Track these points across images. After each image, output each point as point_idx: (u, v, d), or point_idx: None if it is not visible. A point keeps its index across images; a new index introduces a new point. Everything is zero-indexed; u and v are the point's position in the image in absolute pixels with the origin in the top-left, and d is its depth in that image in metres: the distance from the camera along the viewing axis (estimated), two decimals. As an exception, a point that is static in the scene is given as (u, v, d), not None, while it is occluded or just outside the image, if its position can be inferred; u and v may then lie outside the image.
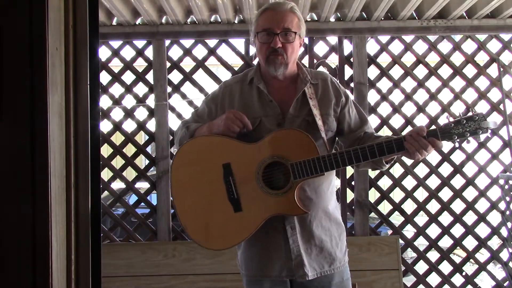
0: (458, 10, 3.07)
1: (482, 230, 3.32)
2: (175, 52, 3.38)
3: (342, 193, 3.27)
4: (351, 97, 1.84)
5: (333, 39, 3.37)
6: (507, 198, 3.30)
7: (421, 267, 3.33)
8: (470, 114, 1.49)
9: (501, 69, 3.33)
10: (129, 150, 3.38)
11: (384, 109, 3.34)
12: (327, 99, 1.71)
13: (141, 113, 3.38)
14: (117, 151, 3.37)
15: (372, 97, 3.34)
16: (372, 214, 3.34)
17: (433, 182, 3.30)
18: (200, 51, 3.38)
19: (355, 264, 3.04)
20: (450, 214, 3.33)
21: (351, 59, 3.31)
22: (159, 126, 3.29)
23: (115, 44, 3.36)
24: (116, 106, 3.36)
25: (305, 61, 3.36)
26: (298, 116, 1.67)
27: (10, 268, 0.96)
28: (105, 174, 3.14)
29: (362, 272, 3.04)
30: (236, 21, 3.28)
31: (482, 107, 3.35)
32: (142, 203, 3.42)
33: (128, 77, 3.36)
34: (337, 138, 1.81)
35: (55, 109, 1.00)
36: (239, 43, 3.48)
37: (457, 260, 3.41)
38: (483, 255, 3.44)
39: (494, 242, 3.60)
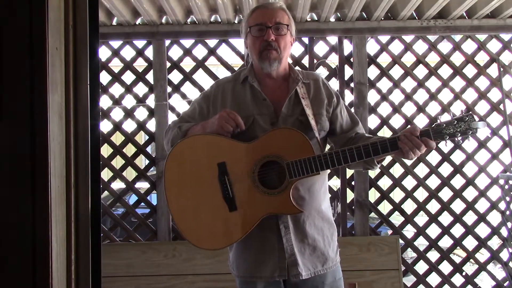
0: (458, 10, 3.07)
1: (482, 230, 3.32)
2: (175, 52, 3.39)
3: (342, 193, 3.27)
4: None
5: (333, 39, 3.37)
6: (507, 198, 3.30)
7: (421, 267, 3.33)
8: (460, 115, 1.54)
9: (501, 69, 3.33)
10: (129, 150, 3.38)
11: (384, 109, 3.34)
12: (320, 99, 1.73)
13: (141, 113, 3.38)
14: (117, 151, 3.37)
15: (372, 97, 3.34)
16: (372, 214, 3.34)
17: (433, 182, 3.30)
18: (200, 51, 3.38)
19: (355, 264, 3.05)
20: (450, 214, 3.33)
21: (351, 59, 3.31)
22: (159, 126, 3.29)
23: (115, 44, 3.36)
24: (116, 106, 3.36)
25: (305, 61, 3.37)
26: (291, 115, 1.68)
27: (10, 268, 0.96)
28: (105, 174, 3.14)
29: (362, 272, 3.04)
30: (236, 21, 3.28)
31: (482, 107, 3.35)
32: (142, 203, 3.42)
33: (128, 77, 3.36)
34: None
35: (55, 109, 1.00)
36: (239, 43, 3.47)
37: (457, 260, 3.42)
38: (483, 255, 3.44)
39: (494, 242, 3.60)
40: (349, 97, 3.32)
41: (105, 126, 3.44)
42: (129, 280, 3.05)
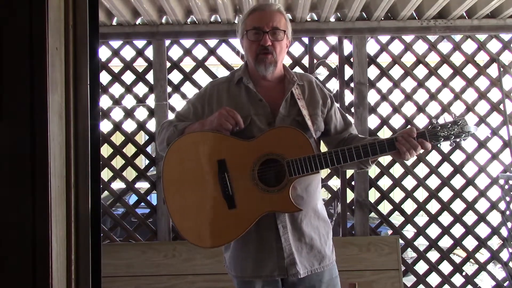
0: (458, 10, 3.07)
1: (482, 230, 3.32)
2: (175, 52, 3.39)
3: (342, 193, 3.27)
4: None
5: (333, 39, 3.37)
6: (507, 198, 3.30)
7: (421, 267, 3.33)
8: (453, 119, 1.61)
9: (501, 69, 3.33)
10: (129, 150, 3.38)
11: (384, 109, 3.34)
12: (315, 100, 1.75)
13: (141, 113, 3.38)
14: (117, 151, 3.37)
15: (372, 97, 3.34)
16: (372, 214, 3.34)
17: (433, 182, 3.31)
18: (200, 51, 3.38)
19: (355, 264, 3.05)
20: (450, 214, 3.33)
21: (351, 59, 3.31)
22: (159, 126, 3.28)
23: (115, 44, 3.36)
24: (116, 106, 3.36)
25: (305, 61, 3.36)
26: (288, 116, 1.69)
27: (10, 268, 0.96)
28: (105, 174, 3.14)
29: (362, 272, 3.03)
30: (236, 21, 3.28)
31: (482, 107, 3.35)
32: (142, 203, 3.42)
33: (128, 77, 3.37)
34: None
35: (55, 109, 1.00)
36: (239, 43, 3.46)
37: (457, 260, 3.42)
38: (483, 255, 3.44)
39: (494, 242, 3.60)
40: (349, 97, 3.32)
41: (105, 126, 3.44)
42: (129, 280, 3.05)
